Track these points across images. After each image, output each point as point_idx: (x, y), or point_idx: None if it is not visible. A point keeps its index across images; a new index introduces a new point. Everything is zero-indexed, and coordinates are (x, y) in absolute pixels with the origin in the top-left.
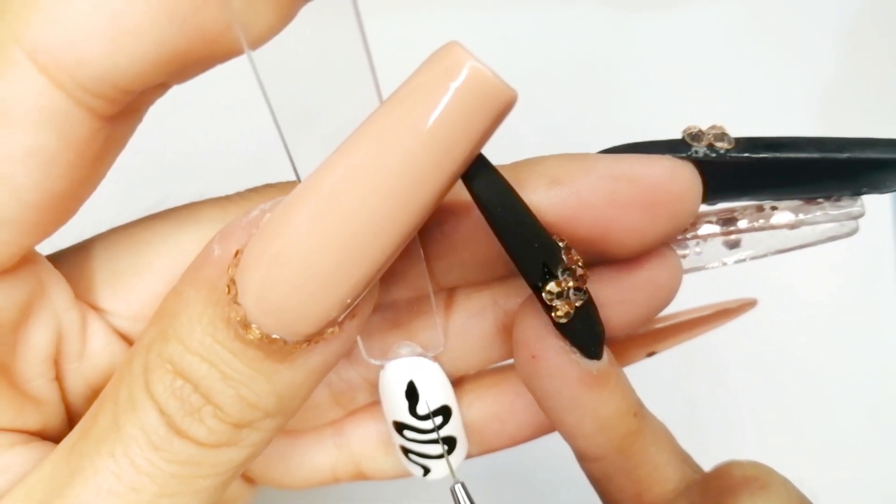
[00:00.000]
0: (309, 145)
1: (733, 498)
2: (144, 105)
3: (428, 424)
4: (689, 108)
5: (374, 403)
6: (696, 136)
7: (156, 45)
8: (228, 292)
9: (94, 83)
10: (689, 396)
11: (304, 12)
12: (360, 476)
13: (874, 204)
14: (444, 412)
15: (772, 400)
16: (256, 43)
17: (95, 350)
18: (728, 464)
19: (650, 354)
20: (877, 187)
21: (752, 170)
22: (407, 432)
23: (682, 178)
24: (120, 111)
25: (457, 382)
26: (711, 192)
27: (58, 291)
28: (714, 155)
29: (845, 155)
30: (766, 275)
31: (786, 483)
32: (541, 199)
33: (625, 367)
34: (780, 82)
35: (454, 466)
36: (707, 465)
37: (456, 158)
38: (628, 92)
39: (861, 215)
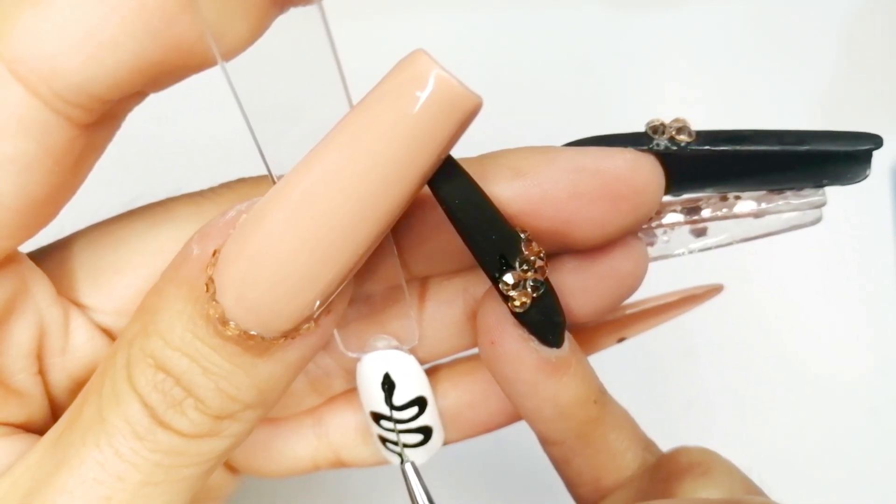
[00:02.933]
0: (282, 148)
1: (677, 483)
2: (122, 113)
3: (403, 414)
4: (688, 108)
5: (351, 391)
6: (658, 129)
7: (131, 56)
8: (207, 290)
9: (71, 93)
10: (685, 394)
11: (276, 23)
12: (340, 464)
13: (872, 196)
14: (420, 402)
15: (767, 397)
16: (230, 54)
17: (78, 345)
18: (676, 450)
19: (620, 340)
20: (838, 179)
21: (712, 162)
22: (384, 422)
23: (644, 169)
24: (97, 119)
25: (431, 371)
26: (674, 183)
27: (40, 289)
28: (675, 148)
29: (804, 147)
30: (761, 268)
31: (730, 469)
32: (503, 190)
33: (596, 353)
34: (780, 82)
35: (432, 453)
36: None
37: (423, 163)
38: (627, 91)
39: (823, 204)
